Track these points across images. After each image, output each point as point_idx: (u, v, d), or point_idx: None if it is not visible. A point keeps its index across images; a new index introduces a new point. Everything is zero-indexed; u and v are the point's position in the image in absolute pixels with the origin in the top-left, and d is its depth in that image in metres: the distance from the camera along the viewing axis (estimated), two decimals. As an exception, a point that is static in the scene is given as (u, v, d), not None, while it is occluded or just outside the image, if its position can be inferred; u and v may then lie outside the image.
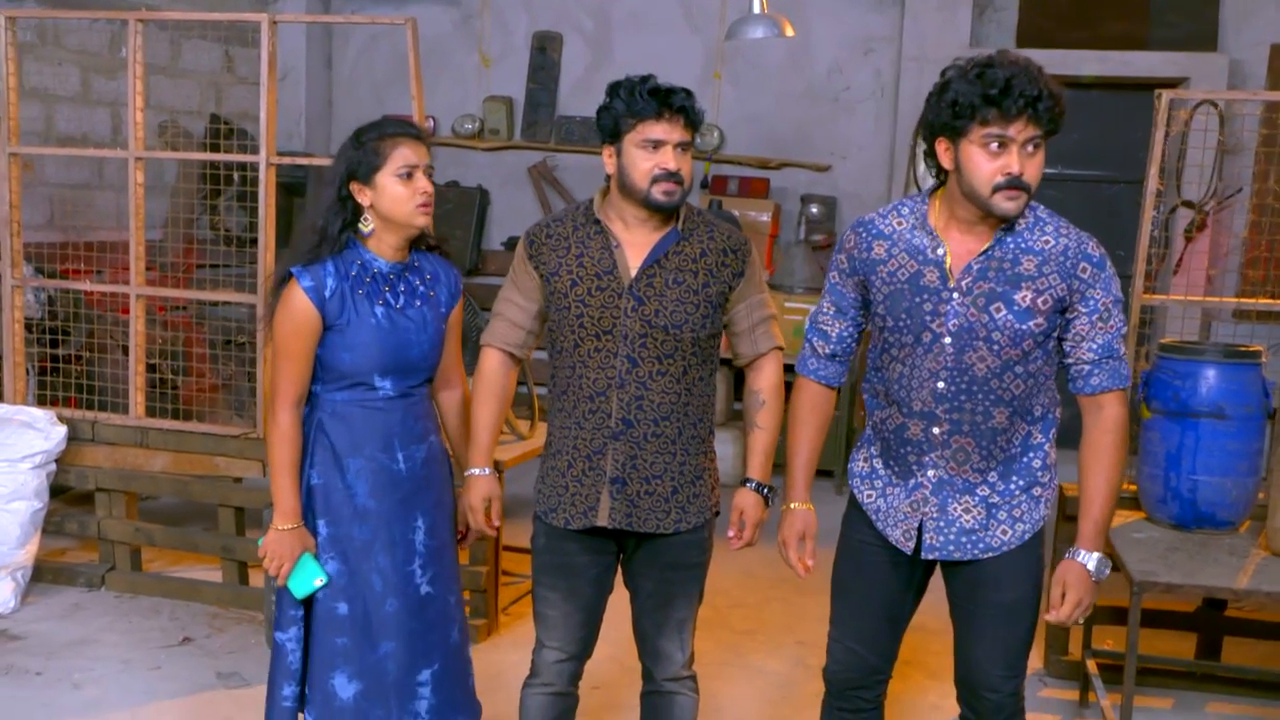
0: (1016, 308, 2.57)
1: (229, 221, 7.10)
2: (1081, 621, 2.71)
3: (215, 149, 6.46)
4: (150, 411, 5.21)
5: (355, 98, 8.49)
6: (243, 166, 5.55)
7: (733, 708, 4.18)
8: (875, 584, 2.84)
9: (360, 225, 2.84)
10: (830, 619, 2.94)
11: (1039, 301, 2.57)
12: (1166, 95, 4.23)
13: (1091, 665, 4.14)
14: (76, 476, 5.11)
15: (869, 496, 2.83)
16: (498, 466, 4.59)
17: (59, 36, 6.71)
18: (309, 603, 2.88)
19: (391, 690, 2.87)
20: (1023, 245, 2.59)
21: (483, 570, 4.66)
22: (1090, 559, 2.65)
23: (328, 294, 2.79)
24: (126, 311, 5.20)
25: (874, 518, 2.81)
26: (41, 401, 5.44)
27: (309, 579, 2.83)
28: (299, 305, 2.78)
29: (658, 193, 2.76)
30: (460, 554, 3.15)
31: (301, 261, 2.80)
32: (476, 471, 2.99)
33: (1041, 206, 2.65)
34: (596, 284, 2.82)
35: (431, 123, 8.29)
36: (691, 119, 2.79)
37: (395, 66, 8.34)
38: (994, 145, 2.48)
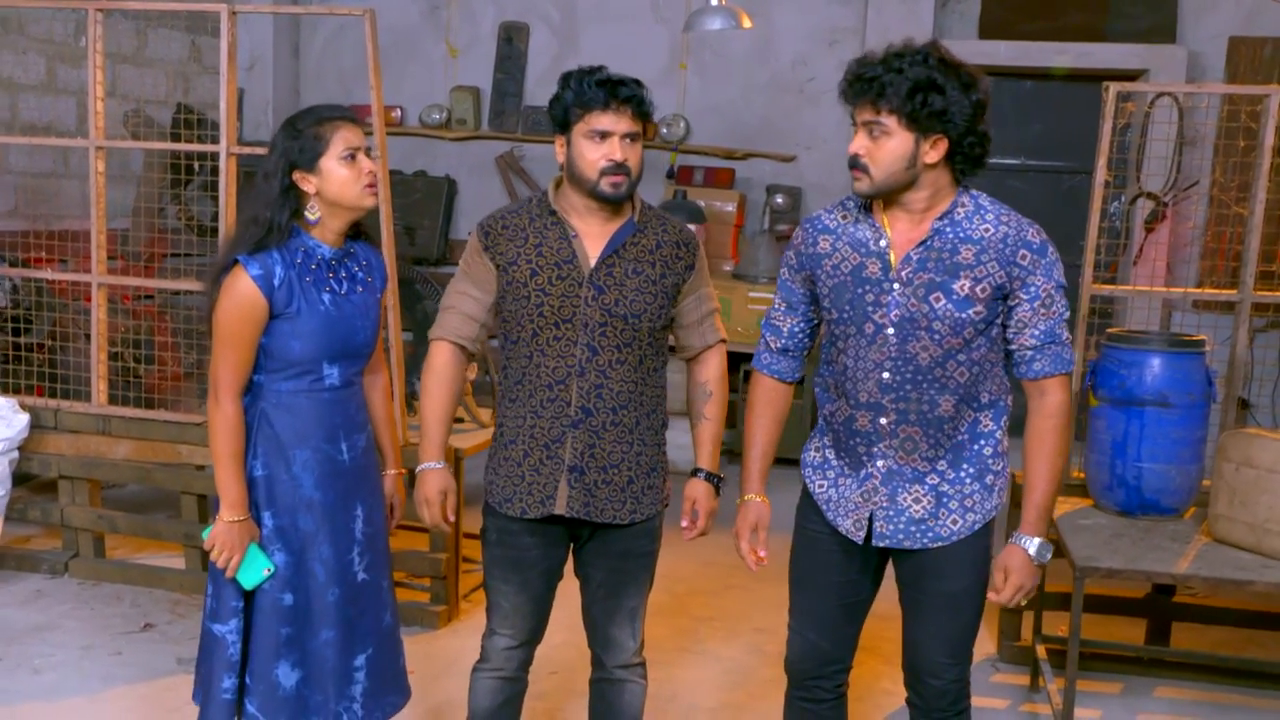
0: (955, 296, 2.60)
1: (195, 211, 7.10)
2: (1024, 604, 2.75)
3: (181, 139, 6.46)
4: (116, 400, 5.23)
5: (323, 87, 8.49)
6: (208, 156, 5.55)
7: (688, 694, 4.23)
8: (829, 574, 2.86)
9: (307, 214, 2.83)
10: (789, 609, 2.97)
11: (977, 290, 2.60)
12: (1114, 88, 4.29)
13: (1041, 651, 4.21)
14: (39, 464, 5.12)
15: (820, 487, 2.86)
16: (457, 455, 4.64)
17: (23, 25, 6.70)
18: (251, 592, 2.87)
19: (330, 677, 2.89)
20: (961, 234, 2.62)
21: (442, 557, 4.70)
22: (1031, 543, 2.69)
23: (276, 282, 2.77)
24: (91, 300, 5.21)
25: (824, 508, 2.84)
26: (6, 390, 5.44)
27: (258, 569, 2.83)
28: (246, 293, 2.75)
29: (605, 185, 2.78)
30: (413, 539, 3.18)
31: (246, 251, 2.78)
32: (430, 465, 2.98)
33: (984, 195, 2.68)
34: (556, 273, 2.84)
35: (399, 112, 8.31)
36: (641, 110, 2.81)
37: (362, 56, 8.23)
38: (854, 127, 2.62)
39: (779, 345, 2.89)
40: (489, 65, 8.32)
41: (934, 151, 2.56)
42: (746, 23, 6.07)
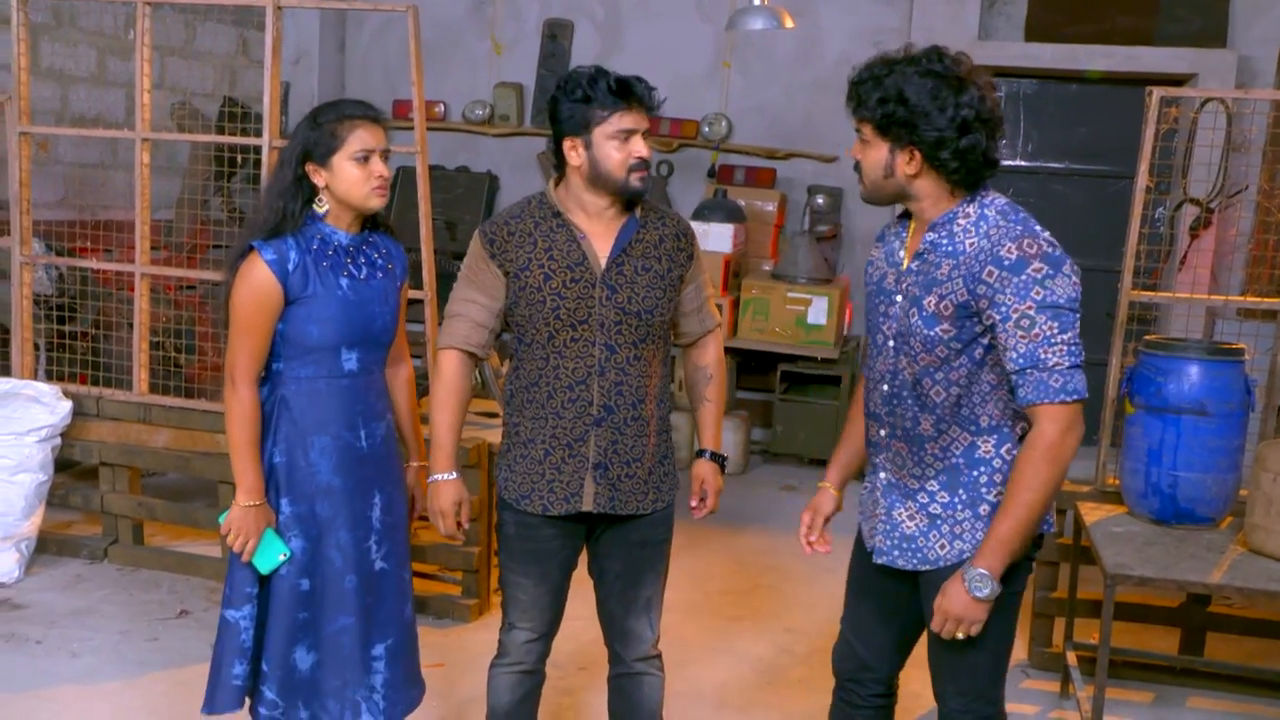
0: (924, 313, 2.52)
1: (239, 203, 7.18)
2: (963, 636, 2.52)
3: (227, 132, 6.54)
4: (158, 389, 5.30)
5: (368, 82, 8.55)
6: (251, 149, 5.62)
7: (715, 692, 4.24)
8: (870, 579, 2.83)
9: (315, 206, 2.86)
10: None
11: (941, 307, 2.49)
12: (1157, 93, 4.25)
13: (1072, 657, 4.18)
14: (81, 451, 5.20)
15: (864, 491, 2.85)
16: (490, 450, 4.67)
17: (74, 18, 6.80)
18: (267, 578, 2.90)
19: (347, 664, 2.92)
20: (950, 248, 2.52)
21: (474, 550, 4.73)
22: (970, 572, 2.48)
23: (290, 267, 2.79)
24: (134, 289, 5.27)
25: (859, 509, 2.85)
26: (52, 377, 5.53)
27: (273, 554, 2.86)
28: (261, 278, 2.77)
29: (634, 180, 2.81)
30: (422, 532, 3.19)
31: (262, 237, 2.81)
32: (441, 477, 2.96)
33: (1001, 202, 2.54)
34: (570, 276, 2.85)
35: (442, 108, 8.35)
36: (651, 106, 2.85)
37: (407, 52, 8.37)
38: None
39: None
40: (533, 62, 8.35)
41: (911, 163, 2.50)
42: (789, 23, 6.06)
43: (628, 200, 2.86)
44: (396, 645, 3.02)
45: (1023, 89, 7.72)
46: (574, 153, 2.82)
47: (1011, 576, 2.56)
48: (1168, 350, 3.96)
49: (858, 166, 2.60)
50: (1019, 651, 4.59)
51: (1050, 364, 2.41)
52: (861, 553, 2.86)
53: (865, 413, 2.76)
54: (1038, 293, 2.40)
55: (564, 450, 2.91)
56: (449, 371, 2.95)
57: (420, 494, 3.19)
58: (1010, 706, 4.13)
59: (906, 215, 2.68)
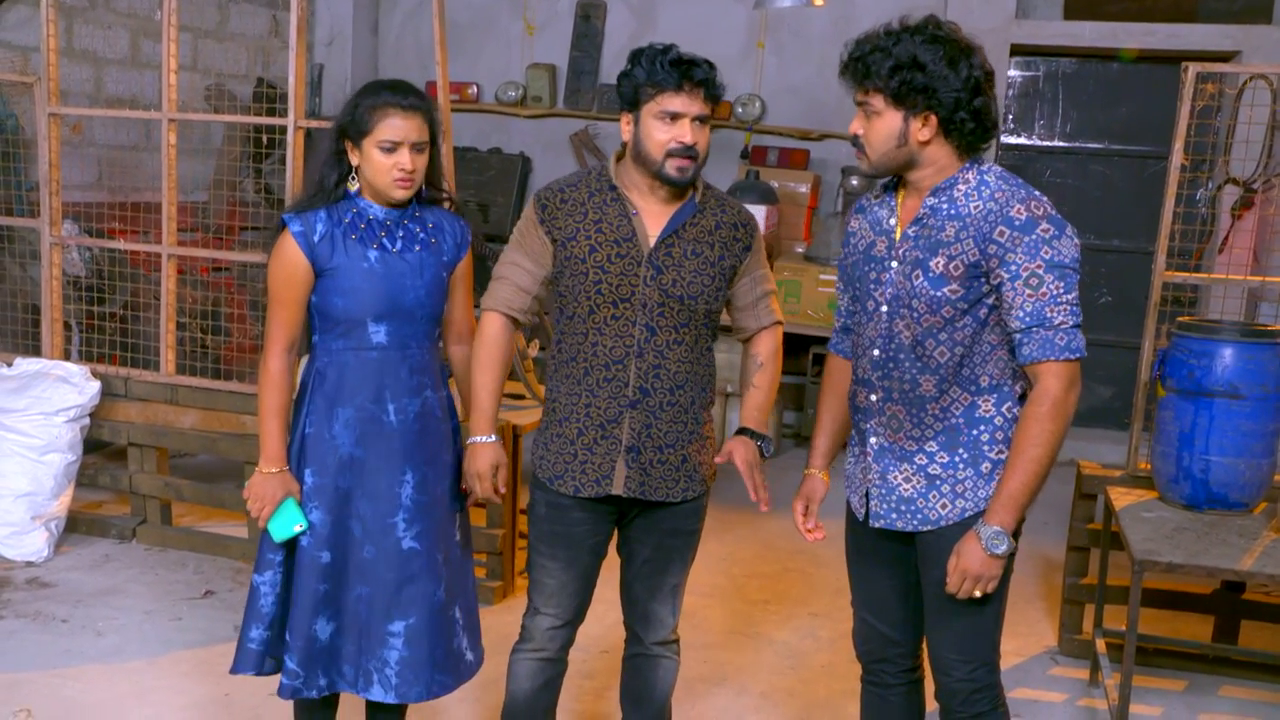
0: (931, 274, 2.54)
1: (273, 184, 7.20)
2: (979, 594, 2.55)
3: (262, 113, 6.55)
4: (189, 370, 5.32)
5: (401, 63, 8.54)
6: (276, 129, 5.61)
7: (739, 676, 4.20)
8: (871, 555, 2.83)
9: (348, 184, 2.86)
10: (850, 591, 2.95)
11: (951, 267, 2.52)
12: (1193, 68, 4.16)
13: (1101, 645, 4.11)
14: (110, 431, 5.24)
15: (848, 464, 2.85)
16: (514, 432, 4.64)
17: (108, 0, 6.82)
18: (292, 548, 2.91)
19: (363, 632, 2.90)
20: (952, 211, 2.55)
21: (499, 533, 4.71)
22: (985, 530, 2.52)
23: (316, 238, 2.81)
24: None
25: (845, 485, 2.84)
26: (85, 358, 5.56)
27: (289, 524, 2.85)
28: (288, 251, 2.82)
29: (671, 168, 2.75)
30: (472, 514, 3.17)
31: (295, 210, 2.85)
32: (480, 439, 2.93)
33: (999, 171, 2.59)
34: (615, 251, 2.80)
35: (475, 89, 8.33)
36: (712, 92, 2.77)
37: (441, 33, 8.38)
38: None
39: (840, 324, 2.90)
40: (565, 43, 8.31)
41: (925, 129, 2.52)
42: (818, 0, 5.98)
43: (675, 187, 2.79)
44: (419, 625, 2.95)
45: (1062, 68, 7.60)
46: (626, 127, 2.81)
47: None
48: (1201, 332, 3.88)
49: (857, 141, 2.60)
50: (1048, 638, 4.57)
51: (1056, 322, 2.47)
52: (858, 530, 2.84)
53: (853, 380, 2.76)
54: (1046, 252, 2.46)
55: (597, 430, 2.87)
56: (491, 333, 2.91)
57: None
58: (1038, 693, 4.13)
59: (890, 187, 2.70)
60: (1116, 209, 7.63)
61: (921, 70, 2.47)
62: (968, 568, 2.54)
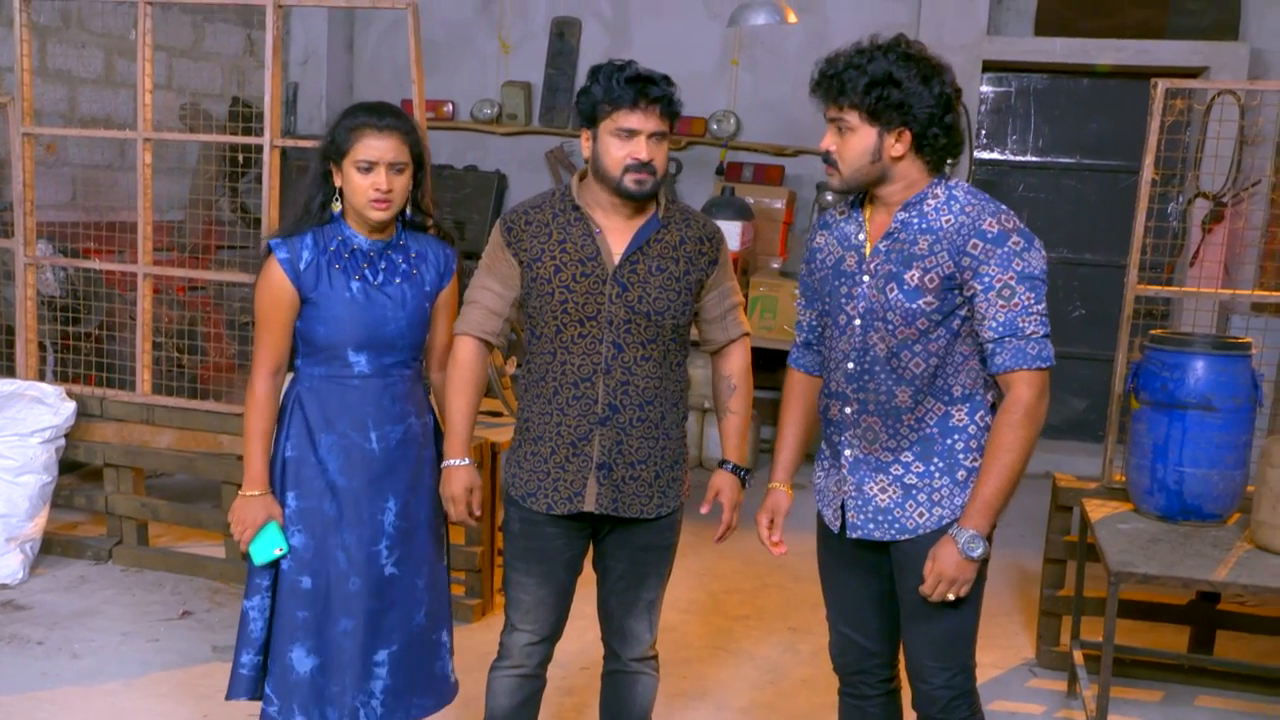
0: (906, 287, 2.59)
1: (249, 203, 7.19)
2: (953, 598, 2.61)
3: (237, 132, 6.54)
4: (167, 390, 5.30)
5: (376, 82, 8.55)
6: (252, 148, 5.61)
7: (719, 691, 4.21)
8: (844, 567, 2.87)
9: (332, 205, 2.88)
10: (825, 606, 2.97)
11: (926, 280, 2.58)
12: (1163, 85, 4.20)
13: (1078, 656, 4.14)
14: (85, 452, 5.21)
15: (818, 478, 2.89)
16: (492, 449, 4.64)
17: (82, 19, 6.81)
18: (276, 574, 2.91)
19: (348, 669, 2.90)
20: (924, 225, 2.61)
21: (477, 551, 4.71)
22: (962, 534, 2.57)
23: (302, 266, 2.84)
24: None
25: (817, 498, 2.88)
26: (60, 378, 5.53)
27: (269, 547, 2.87)
28: (274, 276, 2.85)
29: (629, 181, 2.77)
30: (453, 534, 3.18)
31: (282, 235, 2.87)
32: (455, 463, 2.95)
33: (965, 187, 2.65)
34: (580, 270, 2.82)
35: (450, 107, 8.34)
36: (669, 109, 2.79)
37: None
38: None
39: (802, 339, 2.93)
40: (541, 60, 8.33)
41: (899, 144, 2.58)
42: (792, 17, 6.04)
43: (635, 200, 2.82)
44: (401, 652, 2.98)
45: (1033, 84, 7.67)
46: (586, 144, 2.83)
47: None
48: (1173, 345, 3.92)
49: (829, 157, 2.65)
50: (1026, 650, 4.59)
51: (1027, 332, 2.54)
52: (831, 543, 2.86)
53: (824, 393, 2.79)
54: (1018, 264, 2.53)
55: (568, 449, 2.88)
56: (464, 357, 2.93)
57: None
58: (1017, 706, 4.15)
59: (856, 203, 2.74)
60: (1088, 223, 7.69)
61: (897, 87, 2.53)
62: (944, 571, 2.58)
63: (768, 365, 7.68)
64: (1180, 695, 4.30)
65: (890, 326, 2.62)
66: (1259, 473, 3.69)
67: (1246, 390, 3.85)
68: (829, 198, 7.57)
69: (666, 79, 2.80)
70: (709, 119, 7.92)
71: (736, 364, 3.07)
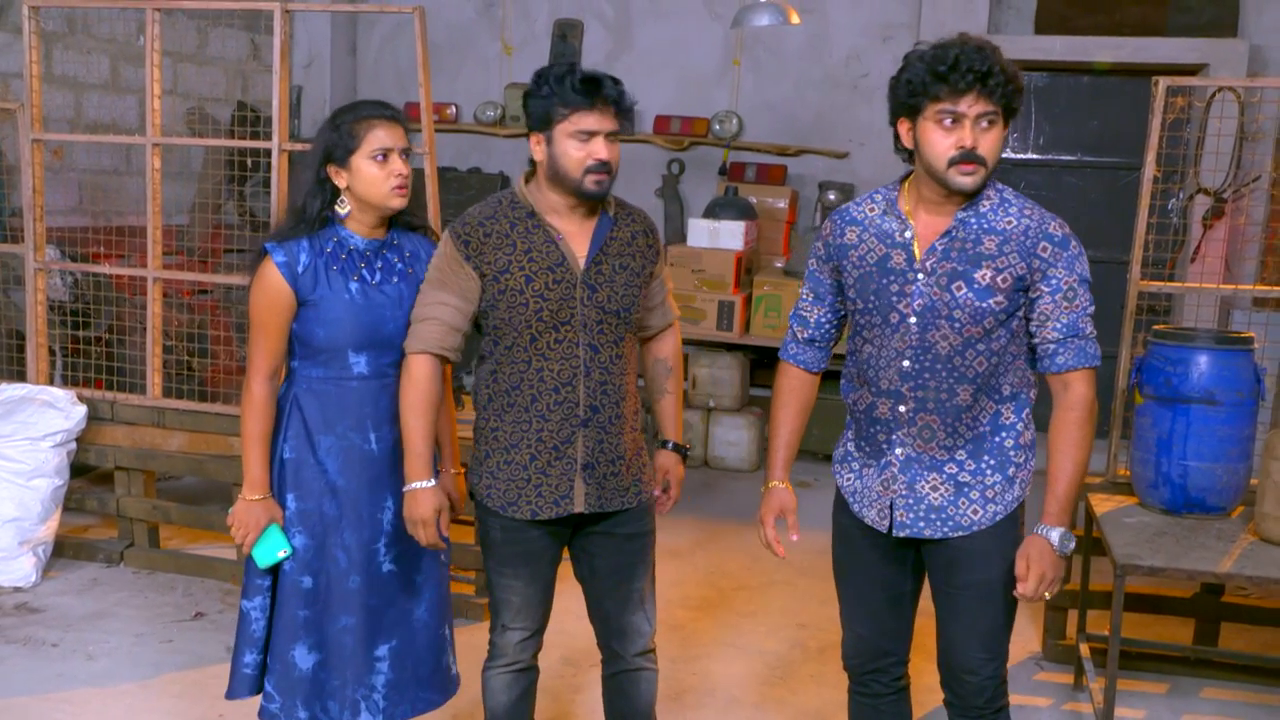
0: (977, 286, 2.62)
1: (254, 207, 7.22)
2: (1049, 596, 2.71)
3: (244, 137, 6.58)
4: (173, 393, 5.34)
5: (379, 85, 8.58)
6: (260, 152, 5.65)
7: (728, 687, 4.24)
8: (866, 566, 2.89)
9: (337, 207, 2.90)
10: (839, 605, 2.99)
11: (999, 280, 2.61)
12: (1164, 82, 4.24)
13: (1084, 649, 4.17)
14: (96, 455, 5.25)
15: (847, 479, 2.89)
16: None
17: (88, 25, 6.84)
18: (275, 574, 2.94)
19: (349, 663, 2.94)
20: (985, 225, 2.64)
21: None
22: (1053, 533, 2.65)
23: (300, 269, 2.84)
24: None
25: (850, 500, 2.86)
26: (68, 382, 5.57)
27: (273, 550, 2.89)
28: (271, 280, 2.84)
29: (589, 183, 2.77)
30: (460, 532, 3.20)
31: (278, 239, 2.87)
32: (419, 485, 2.85)
33: (1010, 189, 2.71)
34: (552, 277, 2.81)
35: (453, 109, 8.38)
36: (622, 108, 2.81)
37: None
38: (947, 121, 2.55)
39: (806, 335, 2.92)
40: (543, 62, 8.24)
41: (1004, 140, 2.64)
42: (795, 19, 6.07)
43: (593, 200, 2.84)
44: (402, 646, 3.03)
45: (1033, 82, 7.70)
46: (538, 148, 2.82)
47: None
48: (1176, 340, 3.95)
49: (973, 155, 2.56)
50: (1032, 644, 4.62)
51: (1087, 332, 2.67)
52: (856, 542, 2.88)
53: (871, 392, 2.76)
54: (1078, 267, 2.64)
55: (551, 453, 2.88)
56: (421, 375, 2.86)
57: (457, 499, 3.17)
58: (1024, 699, 4.18)
59: (890, 199, 2.73)
60: (1090, 220, 7.72)
61: (1018, 82, 2.56)
62: (1045, 571, 2.66)
63: (771, 364, 7.69)
64: (1185, 687, 4.34)
65: (956, 325, 2.64)
66: (1262, 466, 3.72)
67: (1249, 384, 3.88)
68: (831, 196, 7.62)
69: (615, 80, 2.81)
70: (711, 119, 7.96)
71: (670, 346, 3.16)
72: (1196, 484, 3.89)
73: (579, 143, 2.76)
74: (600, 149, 2.77)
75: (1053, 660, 4.50)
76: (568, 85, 2.75)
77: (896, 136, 2.69)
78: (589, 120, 2.75)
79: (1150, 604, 4.53)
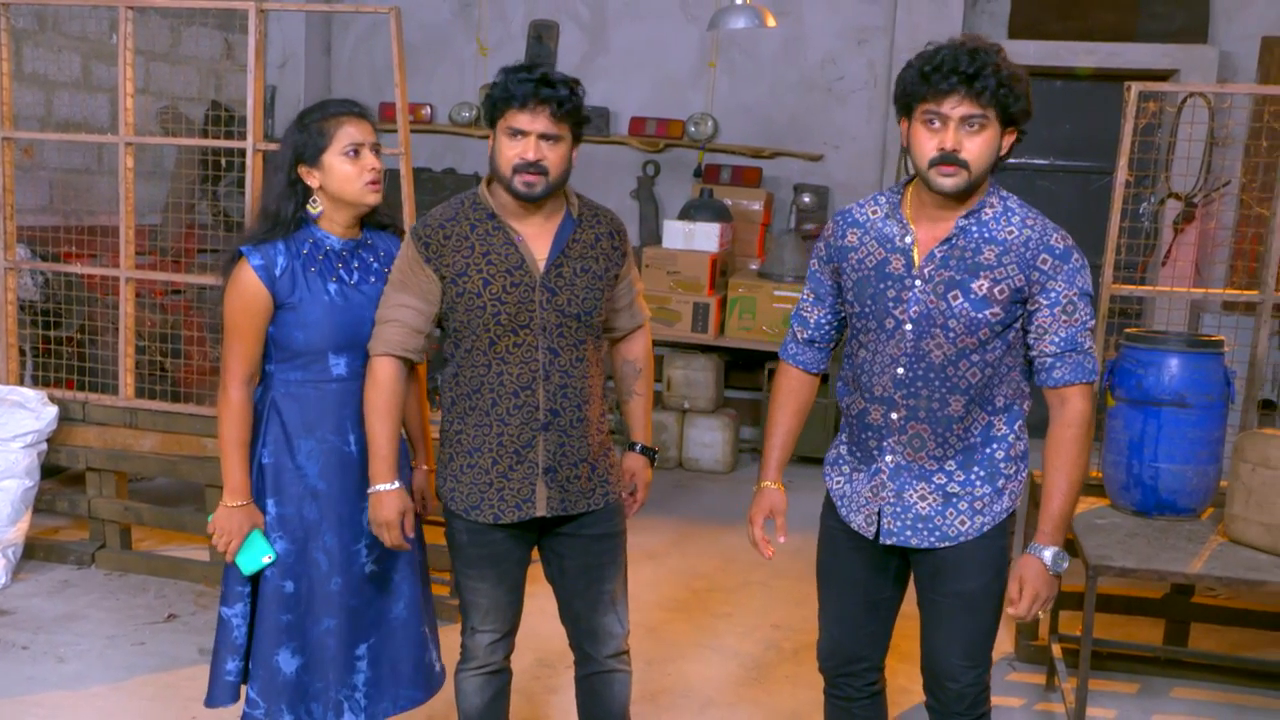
0: (973, 296, 2.59)
1: (227, 207, 7.19)
2: (1043, 615, 2.72)
3: (218, 136, 6.56)
4: (145, 393, 5.31)
5: (354, 85, 8.55)
6: (235, 152, 5.63)
7: (703, 688, 4.25)
8: (848, 571, 2.88)
9: (309, 207, 2.88)
10: (818, 607, 2.99)
11: (995, 291, 2.59)
12: (1136, 88, 4.27)
13: (1056, 650, 4.20)
14: (68, 456, 5.20)
15: (836, 483, 2.88)
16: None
17: (58, 23, 6.79)
18: (256, 579, 2.92)
19: (331, 665, 2.93)
20: (986, 235, 2.61)
21: (462, 551, 4.73)
22: (1046, 553, 2.66)
23: (278, 272, 2.81)
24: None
25: (838, 504, 2.86)
26: (39, 383, 5.53)
27: (257, 556, 2.87)
28: (248, 283, 2.80)
29: (518, 182, 2.74)
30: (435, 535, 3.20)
31: (252, 242, 2.84)
32: (384, 487, 2.86)
33: (1014, 197, 2.68)
34: (509, 280, 2.80)
35: (428, 110, 8.36)
36: (561, 111, 2.73)
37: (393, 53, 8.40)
38: (934, 123, 2.53)
39: (805, 336, 2.90)
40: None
41: (1005, 144, 2.58)
42: (771, 21, 6.09)
43: (524, 201, 2.79)
44: (380, 644, 3.02)
45: (1007, 86, 7.74)
46: (491, 144, 2.81)
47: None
48: (1147, 343, 3.99)
49: (953, 157, 2.53)
50: (1005, 645, 4.64)
51: (1085, 347, 2.64)
52: (841, 548, 2.88)
53: (864, 397, 2.75)
54: (1079, 280, 2.61)
55: (512, 457, 2.87)
56: (385, 378, 2.84)
57: (428, 497, 3.17)
58: (997, 699, 4.18)
59: (893, 203, 2.70)
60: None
61: (1021, 84, 2.52)
62: (1039, 590, 2.66)
63: (746, 366, 7.76)
64: (1156, 687, 4.37)
65: (950, 335, 2.62)
66: (1231, 468, 3.75)
67: (1219, 387, 3.92)
68: (806, 199, 7.65)
69: (569, 84, 2.76)
70: (687, 121, 7.97)
71: (639, 348, 3.14)
72: (1167, 486, 3.92)
73: (510, 140, 2.74)
74: (529, 149, 2.72)
75: (1025, 661, 4.53)
76: (510, 81, 2.72)
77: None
78: (520, 119, 2.72)
79: (1121, 605, 4.57)
